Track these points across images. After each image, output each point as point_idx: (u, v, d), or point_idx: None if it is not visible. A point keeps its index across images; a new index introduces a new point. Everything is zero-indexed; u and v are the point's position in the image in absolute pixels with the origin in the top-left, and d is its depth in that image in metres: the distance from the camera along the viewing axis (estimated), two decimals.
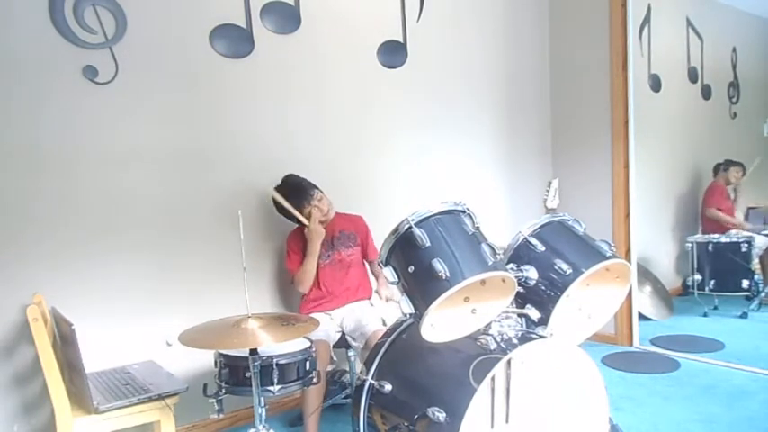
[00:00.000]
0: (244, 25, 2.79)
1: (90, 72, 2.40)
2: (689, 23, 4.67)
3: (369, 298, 2.83)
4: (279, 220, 2.90)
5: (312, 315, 2.52)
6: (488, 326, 1.87)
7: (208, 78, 2.70)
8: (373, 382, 1.96)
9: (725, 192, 4.75)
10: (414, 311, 1.73)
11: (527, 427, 1.79)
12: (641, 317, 3.98)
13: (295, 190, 2.69)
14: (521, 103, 3.99)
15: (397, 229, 1.80)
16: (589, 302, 2.14)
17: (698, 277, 4.43)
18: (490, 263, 1.72)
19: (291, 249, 2.75)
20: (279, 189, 2.69)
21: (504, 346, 1.77)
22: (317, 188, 2.72)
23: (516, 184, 3.98)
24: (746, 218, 4.80)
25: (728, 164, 4.76)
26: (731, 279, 4.35)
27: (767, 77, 4.96)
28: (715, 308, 4.43)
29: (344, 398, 2.86)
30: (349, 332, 2.66)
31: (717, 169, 4.83)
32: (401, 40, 3.36)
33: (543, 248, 2.04)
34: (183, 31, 2.62)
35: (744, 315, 4.26)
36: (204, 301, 2.65)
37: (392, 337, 2.06)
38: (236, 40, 2.76)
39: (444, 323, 1.79)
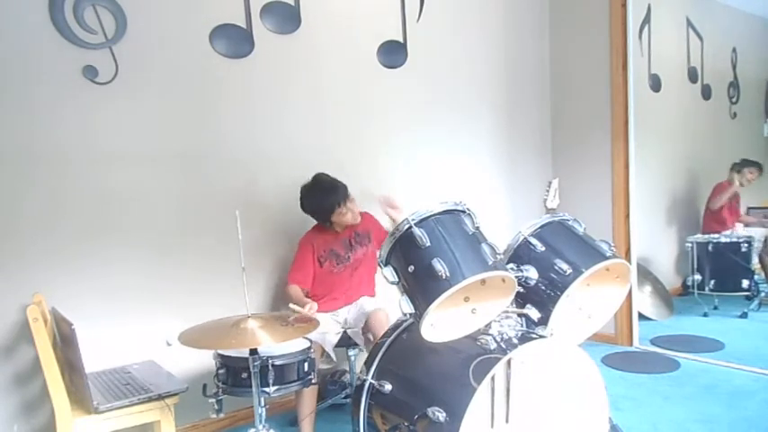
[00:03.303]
0: (244, 25, 2.79)
1: (90, 72, 2.40)
2: (689, 23, 4.67)
3: (372, 296, 2.84)
4: (277, 220, 2.91)
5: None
6: (488, 326, 1.87)
7: (208, 78, 2.70)
8: (373, 381, 1.96)
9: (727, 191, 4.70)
10: (414, 311, 1.74)
11: (527, 427, 1.79)
12: (641, 317, 3.97)
13: (330, 187, 2.61)
14: (521, 102, 3.99)
15: (397, 229, 1.80)
16: (589, 302, 2.14)
17: (698, 277, 4.43)
18: (490, 263, 1.72)
19: (297, 259, 2.74)
20: (309, 190, 2.65)
21: (504, 346, 1.77)
22: (348, 194, 2.66)
23: (516, 184, 3.98)
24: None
25: (743, 164, 4.63)
26: (731, 279, 4.35)
27: (767, 77, 4.96)
28: (715, 308, 4.43)
29: (344, 398, 2.86)
30: (351, 321, 2.70)
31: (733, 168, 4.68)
32: (401, 40, 3.36)
33: (543, 248, 2.04)
34: (182, 31, 2.62)
35: (744, 315, 4.26)
36: (204, 301, 2.65)
37: (392, 337, 2.06)
38: (236, 40, 2.76)
39: (444, 323, 1.79)
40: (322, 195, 2.63)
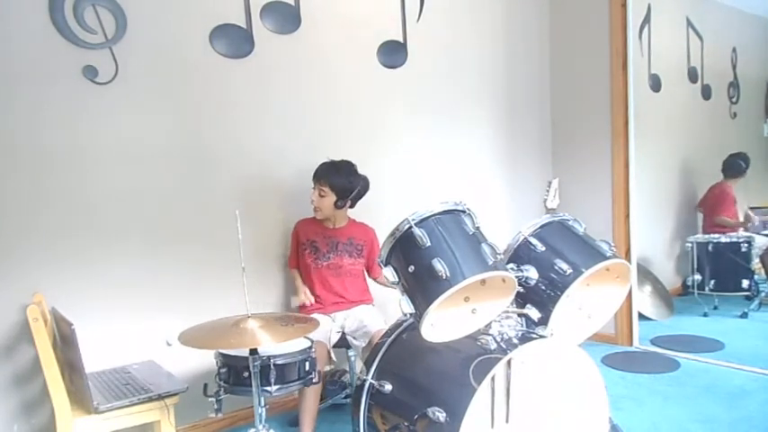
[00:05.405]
0: (244, 25, 2.79)
1: (90, 72, 2.40)
2: (689, 23, 4.67)
3: (371, 302, 2.83)
4: (278, 220, 2.91)
5: (312, 315, 2.52)
6: (488, 326, 1.87)
7: (207, 78, 2.70)
8: (373, 382, 1.96)
9: (733, 195, 4.68)
10: (414, 311, 1.74)
11: (527, 427, 1.79)
12: (641, 317, 3.97)
13: (330, 164, 2.69)
14: (521, 103, 3.99)
15: (397, 229, 1.80)
16: (589, 302, 2.14)
17: (698, 277, 4.43)
18: (490, 263, 1.72)
19: (291, 245, 2.85)
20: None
21: (504, 346, 1.77)
22: (323, 182, 2.64)
23: (516, 184, 3.98)
24: (747, 218, 4.78)
25: (747, 160, 4.57)
26: (731, 279, 4.35)
27: (767, 77, 4.96)
28: (715, 308, 4.43)
29: (344, 398, 2.86)
30: (351, 332, 2.66)
31: (736, 169, 4.64)
32: (401, 40, 3.35)
33: (543, 248, 2.04)
34: (183, 31, 2.62)
35: (744, 315, 4.26)
36: (204, 300, 2.65)
37: (392, 337, 2.06)
38: (236, 40, 2.76)
39: (444, 323, 1.79)
40: (322, 164, 2.69)
